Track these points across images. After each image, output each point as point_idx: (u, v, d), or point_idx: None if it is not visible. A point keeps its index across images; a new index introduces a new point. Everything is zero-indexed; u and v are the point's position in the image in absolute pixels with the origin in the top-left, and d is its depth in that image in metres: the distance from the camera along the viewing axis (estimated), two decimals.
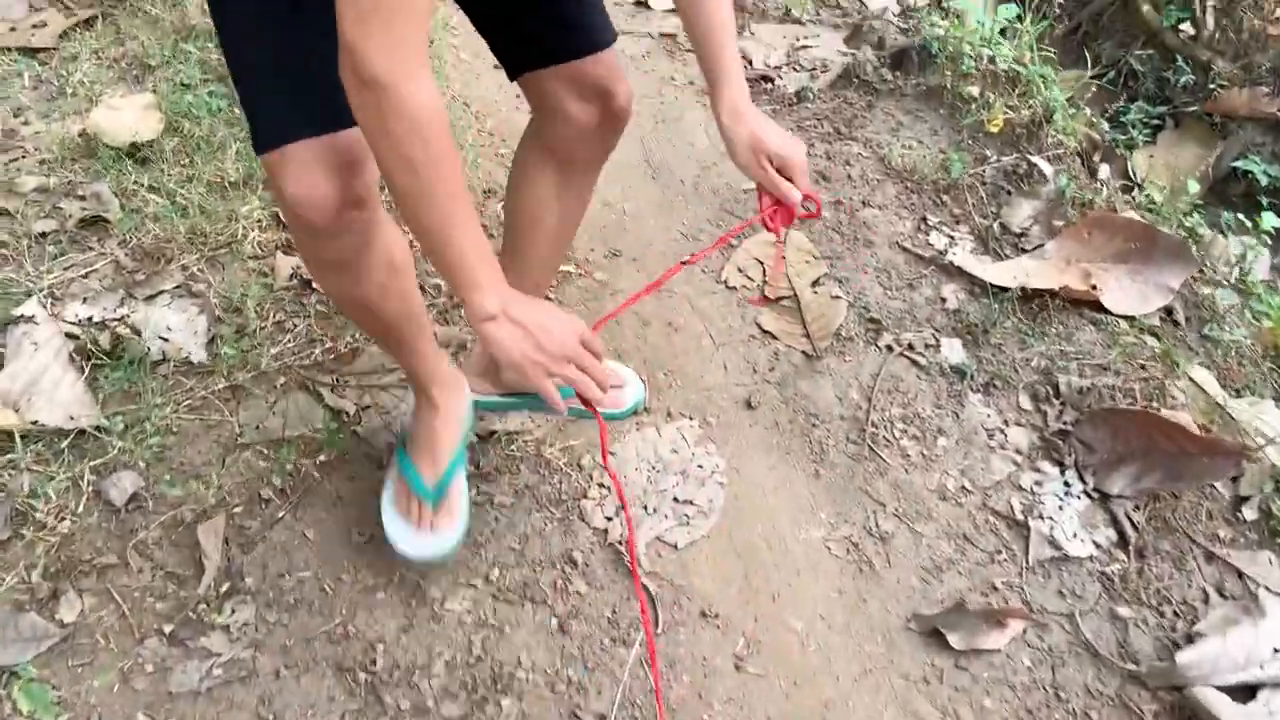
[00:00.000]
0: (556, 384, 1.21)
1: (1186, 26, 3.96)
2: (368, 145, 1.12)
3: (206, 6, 1.30)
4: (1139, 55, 3.99)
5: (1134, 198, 2.80)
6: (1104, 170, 3.02)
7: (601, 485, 1.86)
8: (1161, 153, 3.64)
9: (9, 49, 2.71)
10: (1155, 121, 3.70)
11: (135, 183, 2.33)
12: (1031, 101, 2.76)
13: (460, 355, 2.05)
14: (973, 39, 2.94)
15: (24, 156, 2.42)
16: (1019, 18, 2.97)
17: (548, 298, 1.92)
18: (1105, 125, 3.17)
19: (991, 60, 2.88)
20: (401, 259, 1.43)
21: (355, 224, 1.30)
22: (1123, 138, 3.44)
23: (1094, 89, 3.21)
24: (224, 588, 1.65)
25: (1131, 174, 3.10)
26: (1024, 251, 2.45)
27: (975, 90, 2.84)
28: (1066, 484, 1.95)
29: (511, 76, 1.53)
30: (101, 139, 2.42)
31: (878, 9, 3.64)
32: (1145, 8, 4.06)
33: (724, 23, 1.41)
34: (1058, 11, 4.57)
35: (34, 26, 2.79)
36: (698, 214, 2.51)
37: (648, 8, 3.30)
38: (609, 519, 1.82)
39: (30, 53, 2.72)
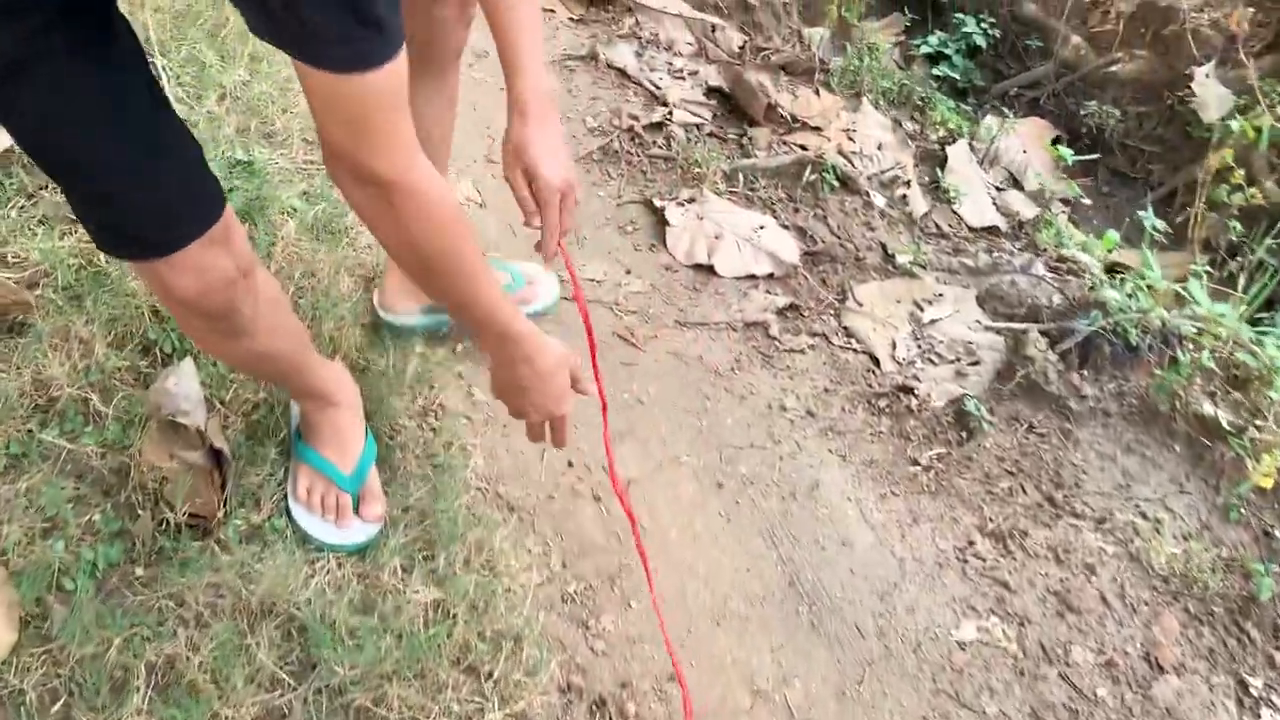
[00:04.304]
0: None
1: None
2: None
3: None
4: (1272, 245, 3.26)
5: None
6: None
7: None
8: None
9: None
10: None
11: None
12: None
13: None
14: (1174, 316, 2.12)
15: None
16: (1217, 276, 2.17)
17: None
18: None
19: (1231, 355, 2.06)
20: (276, 292, 1.35)
21: (248, 290, 1.23)
22: None
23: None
24: None
25: None
26: None
27: (1220, 415, 2.00)
28: None
29: None
30: None
31: (983, 224, 2.82)
32: (1269, 184, 3.36)
33: (529, 15, 1.30)
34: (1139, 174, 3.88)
35: None
36: (903, 700, 1.59)
37: (713, 273, 2.35)
38: None
39: None
